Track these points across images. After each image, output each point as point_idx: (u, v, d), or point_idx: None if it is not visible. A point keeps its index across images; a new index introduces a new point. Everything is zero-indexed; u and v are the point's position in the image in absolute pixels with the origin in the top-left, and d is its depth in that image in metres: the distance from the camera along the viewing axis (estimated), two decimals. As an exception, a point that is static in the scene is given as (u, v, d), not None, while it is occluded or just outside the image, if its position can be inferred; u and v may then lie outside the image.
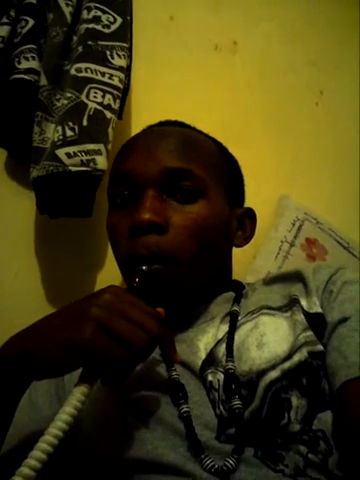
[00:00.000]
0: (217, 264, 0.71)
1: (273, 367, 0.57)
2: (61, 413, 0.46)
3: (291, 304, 0.64)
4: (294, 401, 0.55)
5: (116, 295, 0.51)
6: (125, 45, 0.88)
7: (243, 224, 0.75)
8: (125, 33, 0.89)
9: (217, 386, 0.59)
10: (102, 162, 0.81)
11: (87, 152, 0.79)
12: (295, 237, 1.06)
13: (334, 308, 0.61)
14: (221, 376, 0.59)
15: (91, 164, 0.79)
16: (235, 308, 0.67)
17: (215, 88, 1.17)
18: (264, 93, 1.23)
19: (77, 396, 0.47)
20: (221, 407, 0.57)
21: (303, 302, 0.64)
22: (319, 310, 0.63)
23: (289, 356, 0.58)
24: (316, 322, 0.61)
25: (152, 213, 0.62)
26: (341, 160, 1.26)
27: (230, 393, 0.57)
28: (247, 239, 0.76)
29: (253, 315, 0.64)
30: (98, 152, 0.80)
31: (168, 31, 1.13)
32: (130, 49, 0.92)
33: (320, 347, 0.59)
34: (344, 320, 0.59)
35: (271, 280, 0.73)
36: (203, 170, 0.67)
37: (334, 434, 0.55)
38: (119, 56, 0.86)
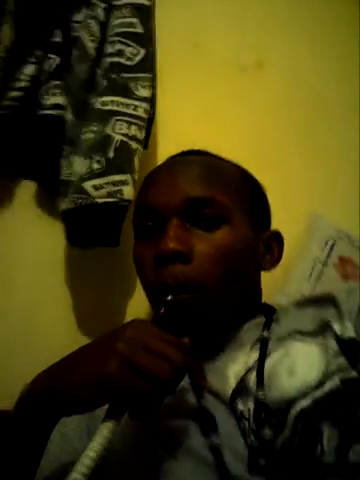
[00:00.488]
0: (245, 290, 0.70)
1: (304, 396, 0.56)
2: (88, 450, 0.46)
3: (323, 329, 0.63)
4: (326, 431, 0.54)
5: (139, 329, 0.52)
6: (149, 76, 0.90)
7: (270, 248, 0.74)
8: (149, 64, 0.91)
9: (248, 415, 0.58)
10: (129, 192, 0.82)
11: (114, 183, 0.81)
12: (328, 256, 1.04)
13: None
14: (252, 405, 0.59)
15: (118, 195, 0.81)
16: (265, 334, 0.66)
17: (242, 109, 1.17)
18: (293, 110, 1.22)
19: (104, 432, 0.48)
20: (252, 437, 0.57)
21: (336, 327, 0.62)
22: (353, 335, 0.61)
23: (320, 384, 0.57)
24: (350, 348, 0.60)
25: (176, 242, 0.63)
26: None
27: (261, 422, 0.57)
28: (274, 263, 0.75)
29: (284, 341, 0.63)
30: (125, 182, 0.82)
31: (193, 57, 1.14)
32: (154, 79, 0.94)
33: (354, 374, 0.58)
34: None
35: (303, 303, 0.71)
36: (226, 197, 0.68)
37: None
38: (143, 87, 0.88)
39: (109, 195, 0.80)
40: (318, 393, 0.56)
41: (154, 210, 0.67)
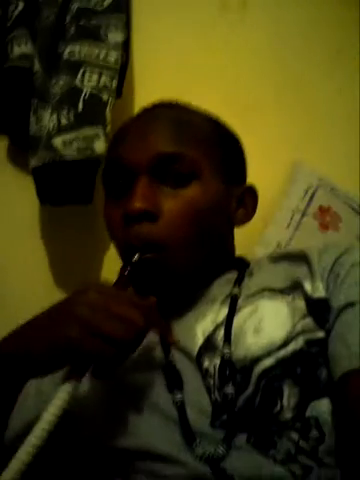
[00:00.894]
0: (215, 246, 0.69)
1: (268, 354, 0.57)
2: (46, 413, 0.48)
3: (294, 287, 0.63)
4: (286, 390, 0.56)
5: (99, 292, 0.52)
6: (121, 16, 0.85)
7: (243, 202, 0.73)
8: (120, 5, 0.86)
9: (213, 372, 0.59)
10: (100, 146, 0.80)
11: (84, 138, 0.79)
12: (308, 206, 1.03)
13: (340, 292, 0.60)
14: (217, 362, 0.60)
15: (88, 151, 0.79)
16: (235, 290, 0.66)
17: (224, 54, 1.11)
18: (274, 56, 1.17)
19: (62, 394, 0.49)
20: (216, 393, 0.58)
21: (307, 286, 0.63)
22: (323, 295, 0.61)
23: (285, 344, 0.58)
24: (319, 308, 0.60)
25: (143, 201, 0.62)
26: (356, 123, 1.19)
27: (224, 379, 0.58)
28: (248, 218, 0.74)
29: (254, 297, 0.64)
30: (96, 137, 0.80)
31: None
32: (128, 22, 0.89)
33: (320, 334, 0.59)
34: (350, 305, 0.58)
35: (277, 257, 0.71)
36: (195, 152, 0.66)
37: (333, 422, 0.55)
38: (115, 30, 0.84)
39: (79, 151, 0.78)
40: (282, 353, 0.57)
41: (123, 166, 0.66)
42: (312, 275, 0.63)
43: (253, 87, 1.13)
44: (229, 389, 0.57)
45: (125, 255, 0.64)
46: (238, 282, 0.68)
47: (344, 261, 0.62)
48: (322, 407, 0.56)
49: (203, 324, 0.64)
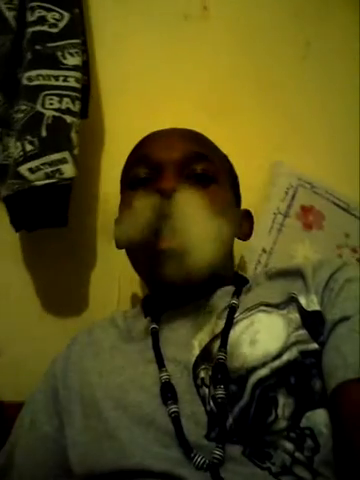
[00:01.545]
0: (225, 253, 0.73)
1: (263, 365, 0.58)
2: None
3: (289, 302, 0.65)
4: (281, 399, 0.56)
5: None
6: (77, 41, 0.85)
7: (241, 224, 0.79)
8: (75, 28, 0.86)
9: (208, 382, 0.60)
10: (68, 170, 0.79)
11: (51, 163, 0.78)
12: (289, 207, 1.02)
13: (335, 306, 0.62)
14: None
15: (57, 175, 0.78)
16: (233, 303, 0.67)
17: (191, 60, 1.11)
18: (245, 55, 1.16)
19: None
20: (211, 403, 0.58)
21: (302, 300, 0.64)
22: (317, 308, 0.63)
23: (279, 355, 0.59)
24: (313, 320, 0.62)
25: (173, 182, 0.68)
26: (334, 115, 1.18)
27: (216, 383, 0.59)
28: (246, 237, 0.81)
29: (250, 312, 0.65)
30: (63, 161, 0.79)
31: (132, 9, 1.07)
32: (84, 43, 0.89)
33: (314, 346, 0.60)
34: (344, 319, 0.60)
35: (274, 274, 0.73)
36: (218, 160, 0.75)
37: (329, 433, 0.55)
38: (71, 55, 0.84)
39: (47, 176, 0.77)
40: (276, 363, 0.58)
41: (151, 161, 0.71)
42: (307, 290, 0.65)
43: (227, 90, 1.12)
44: (220, 392, 0.58)
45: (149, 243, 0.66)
46: (236, 295, 0.69)
47: (338, 277, 0.64)
48: (317, 418, 0.56)
49: (200, 336, 0.66)
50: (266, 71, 1.17)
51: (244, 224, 0.80)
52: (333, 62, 1.23)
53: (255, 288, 0.72)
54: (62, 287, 0.92)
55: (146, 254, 0.67)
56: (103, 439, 0.61)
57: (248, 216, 0.82)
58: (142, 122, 1.00)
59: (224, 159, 0.80)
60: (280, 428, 0.55)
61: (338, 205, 1.06)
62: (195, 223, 0.65)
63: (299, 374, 0.58)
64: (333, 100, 1.21)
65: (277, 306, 0.65)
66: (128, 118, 1.00)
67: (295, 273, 0.69)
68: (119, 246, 0.76)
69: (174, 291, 0.68)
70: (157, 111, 1.04)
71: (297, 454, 0.54)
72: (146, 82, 1.05)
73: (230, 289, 0.71)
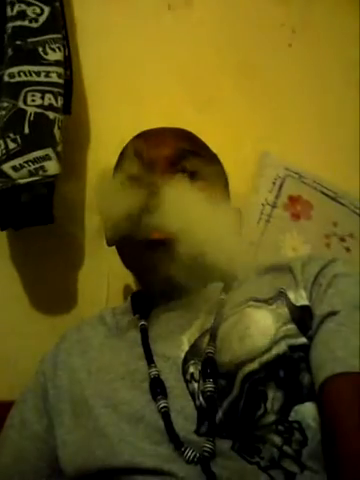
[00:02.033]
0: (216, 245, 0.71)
1: (252, 359, 0.58)
2: None
3: (278, 297, 0.65)
4: (270, 393, 0.57)
5: None
6: (58, 36, 0.84)
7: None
8: (56, 23, 0.85)
9: (198, 377, 0.60)
10: (52, 167, 0.79)
11: (34, 161, 0.77)
12: (276, 197, 1.02)
13: (323, 301, 0.62)
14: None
15: (40, 172, 0.77)
16: (222, 297, 0.68)
17: (175, 51, 1.10)
18: (230, 45, 1.15)
19: None
20: (201, 398, 0.59)
21: (291, 295, 0.65)
22: (306, 303, 0.63)
23: (268, 349, 0.59)
24: (302, 315, 0.62)
25: (166, 178, 0.68)
26: (322, 104, 1.17)
27: (205, 376, 0.59)
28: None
29: (240, 307, 0.65)
30: (46, 158, 0.78)
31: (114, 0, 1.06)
32: (66, 37, 0.88)
33: (302, 340, 0.60)
34: (333, 314, 0.60)
35: (263, 270, 0.73)
36: (208, 158, 0.77)
37: (317, 426, 0.56)
38: (53, 50, 0.83)
39: (31, 174, 0.77)
40: (265, 357, 0.58)
41: (143, 158, 0.72)
42: (296, 284, 0.66)
43: (213, 80, 1.11)
44: (209, 386, 0.58)
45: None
46: (225, 291, 0.70)
47: (327, 272, 0.65)
48: (305, 411, 0.57)
49: (189, 332, 0.66)
50: (252, 60, 1.16)
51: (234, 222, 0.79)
52: (320, 50, 1.22)
53: (244, 284, 0.72)
54: (50, 284, 0.92)
55: (137, 247, 0.67)
56: (93, 437, 0.61)
57: (238, 213, 0.82)
58: (127, 115, 1.00)
59: (214, 158, 0.81)
60: (269, 422, 0.56)
61: (326, 194, 1.07)
62: (185, 215, 0.65)
63: (288, 368, 0.58)
64: (320, 88, 1.20)
65: (266, 301, 0.65)
66: (112, 112, 0.99)
67: (284, 268, 0.70)
68: (110, 243, 0.77)
69: (164, 284, 0.67)
70: (142, 104, 1.03)
71: (285, 447, 0.54)
72: (130, 74, 1.04)
73: (219, 285, 0.71)
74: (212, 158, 0.79)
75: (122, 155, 0.78)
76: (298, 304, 0.64)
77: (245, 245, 0.95)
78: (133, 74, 1.04)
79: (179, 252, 0.63)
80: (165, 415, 0.58)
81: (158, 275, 0.65)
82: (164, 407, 0.59)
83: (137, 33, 1.06)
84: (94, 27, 1.02)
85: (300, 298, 0.64)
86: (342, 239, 1.05)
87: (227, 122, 1.10)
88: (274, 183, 1.04)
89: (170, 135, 0.76)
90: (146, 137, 0.77)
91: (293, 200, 1.03)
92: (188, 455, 0.55)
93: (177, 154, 0.72)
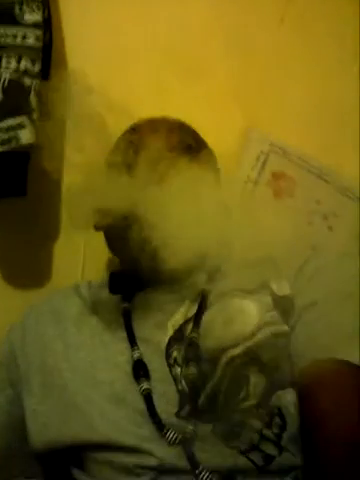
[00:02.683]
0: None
1: (236, 345, 0.60)
2: None
3: (261, 287, 0.67)
4: (252, 378, 0.59)
5: None
6: (37, -6, 0.79)
7: None
8: (35, -20, 0.80)
9: (181, 362, 0.62)
10: (26, 135, 0.76)
11: (7, 129, 0.75)
12: (259, 174, 1.00)
13: (306, 291, 0.65)
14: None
15: (13, 141, 0.75)
16: (207, 287, 0.69)
17: (162, 23, 1.06)
18: (218, 19, 1.11)
19: None
20: (183, 382, 0.60)
21: (273, 285, 0.67)
22: (288, 293, 0.66)
23: (252, 335, 0.61)
24: (284, 304, 0.65)
25: None
26: (312, 80, 1.14)
27: (188, 360, 0.61)
28: None
29: (224, 297, 0.67)
30: (20, 126, 0.76)
31: None
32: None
33: (285, 327, 0.62)
34: (314, 304, 0.63)
35: (246, 263, 0.72)
36: (204, 152, 0.75)
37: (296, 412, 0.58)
38: (31, 11, 0.78)
39: (3, 143, 0.74)
40: (249, 342, 0.60)
41: (140, 148, 0.70)
42: (278, 275, 0.68)
43: (198, 49, 1.07)
44: (192, 369, 0.59)
45: None
46: (210, 281, 0.70)
47: (310, 265, 0.68)
48: (287, 397, 0.59)
49: (173, 319, 0.67)
50: (241, 33, 1.11)
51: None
52: (313, 25, 1.18)
53: (228, 276, 0.72)
54: (23, 258, 0.90)
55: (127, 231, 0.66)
56: (69, 411, 0.62)
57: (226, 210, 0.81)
58: (109, 85, 0.96)
59: (210, 152, 0.80)
60: (250, 405, 0.57)
61: (310, 171, 1.05)
62: (173, 208, 0.64)
63: (271, 353, 0.60)
64: (310, 64, 1.17)
65: (250, 292, 0.67)
66: (94, 81, 0.95)
67: (267, 261, 0.70)
68: (98, 228, 0.75)
69: (152, 269, 0.67)
70: (127, 76, 1.00)
71: (265, 431, 0.56)
72: (114, 44, 1.00)
73: (203, 275, 0.71)
74: (208, 152, 0.79)
75: (119, 141, 0.77)
76: (280, 294, 0.66)
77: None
78: (118, 45, 1.00)
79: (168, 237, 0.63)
80: (147, 397, 0.59)
81: (147, 260, 0.64)
82: (146, 389, 0.59)
83: (123, 3, 1.02)
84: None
85: (283, 288, 0.66)
86: (324, 217, 1.04)
87: (212, 95, 1.07)
88: (258, 159, 1.02)
89: (167, 127, 0.75)
90: (143, 127, 0.76)
91: (276, 176, 1.01)
92: (170, 436, 0.56)
93: (174, 147, 0.72)
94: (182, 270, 0.68)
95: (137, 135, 0.73)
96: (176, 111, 0.98)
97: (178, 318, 0.66)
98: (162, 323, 0.66)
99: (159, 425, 0.57)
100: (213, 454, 0.56)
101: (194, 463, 0.55)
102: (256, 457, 0.56)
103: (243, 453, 0.56)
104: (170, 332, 0.65)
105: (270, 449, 0.56)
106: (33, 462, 0.69)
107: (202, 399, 0.58)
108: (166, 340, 0.64)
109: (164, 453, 0.56)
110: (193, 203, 0.66)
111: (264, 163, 1.01)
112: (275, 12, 1.15)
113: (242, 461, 0.56)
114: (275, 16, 1.15)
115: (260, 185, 0.99)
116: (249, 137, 1.04)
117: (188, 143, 0.74)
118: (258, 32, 1.13)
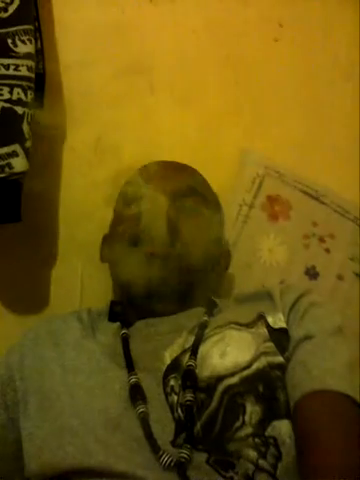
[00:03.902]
0: (207, 272, 0.76)
1: (232, 374, 0.61)
2: None
3: (257, 320, 0.69)
4: (249, 407, 0.59)
5: None
6: (29, 27, 0.81)
7: (219, 262, 0.82)
8: (27, 13, 0.82)
9: (177, 390, 0.62)
10: (19, 163, 0.77)
11: (0, 157, 0.75)
12: (255, 197, 1.00)
13: (300, 325, 0.67)
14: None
15: (6, 169, 0.76)
16: (204, 320, 0.70)
17: (157, 44, 1.07)
18: (214, 38, 1.12)
19: None
20: (179, 410, 0.60)
21: (269, 319, 0.69)
22: (284, 325, 0.68)
23: (249, 365, 0.62)
24: (280, 336, 0.67)
25: None
26: (308, 101, 1.15)
27: (185, 388, 0.60)
28: (223, 271, 0.85)
29: (221, 328, 0.68)
30: (13, 154, 0.77)
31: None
32: (38, 30, 0.85)
33: (280, 359, 0.64)
34: (309, 338, 0.65)
35: (243, 298, 0.78)
36: (208, 195, 0.80)
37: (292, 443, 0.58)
38: (23, 42, 0.80)
39: (-4, 171, 0.75)
40: (245, 372, 0.61)
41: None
42: (274, 309, 0.70)
43: (194, 73, 1.08)
44: (189, 396, 0.59)
45: None
46: (207, 314, 0.73)
47: (304, 300, 0.71)
48: (282, 428, 0.58)
49: (171, 349, 0.67)
50: (236, 54, 1.13)
51: (222, 261, 0.83)
52: (307, 45, 1.19)
53: (225, 311, 0.75)
54: (21, 284, 0.90)
55: (135, 261, 0.70)
56: (65, 435, 0.61)
57: (228, 254, 0.86)
58: (103, 109, 0.98)
59: (214, 196, 0.83)
60: (246, 434, 0.57)
61: (306, 193, 1.04)
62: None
63: (266, 383, 0.61)
64: (306, 85, 1.18)
65: (246, 325, 0.68)
66: (90, 109, 0.96)
67: (263, 295, 0.75)
68: (104, 260, 0.80)
69: (154, 299, 0.71)
70: (121, 97, 1.01)
71: (261, 461, 0.55)
72: (112, 66, 1.01)
73: (201, 309, 0.74)
74: (212, 196, 0.81)
75: (128, 183, 0.80)
76: (276, 327, 0.68)
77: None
78: (109, 69, 1.01)
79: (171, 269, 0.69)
80: (144, 420, 0.58)
81: (150, 289, 0.69)
82: (143, 412, 0.59)
83: (118, 24, 1.03)
84: (71, 20, 0.99)
85: (279, 321, 0.68)
86: (321, 240, 1.03)
87: (208, 118, 1.08)
88: (253, 182, 1.02)
89: (172, 170, 0.78)
90: (150, 171, 0.78)
91: (271, 200, 1.01)
92: (164, 460, 0.55)
93: (178, 190, 0.75)
94: (182, 303, 0.73)
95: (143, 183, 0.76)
96: (170, 134, 0.99)
97: (175, 348, 0.67)
98: (160, 352, 0.66)
99: (155, 447, 0.56)
100: None
101: None
102: None
103: None
104: (167, 361, 0.65)
105: None
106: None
107: (198, 427, 0.58)
108: (164, 368, 0.64)
109: (158, 479, 0.55)
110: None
111: (259, 186, 1.01)
112: (269, 33, 1.17)
113: None
114: (269, 37, 1.17)
115: (255, 208, 0.99)
116: (245, 159, 1.05)
117: (192, 186, 0.77)
118: (252, 55, 1.14)
